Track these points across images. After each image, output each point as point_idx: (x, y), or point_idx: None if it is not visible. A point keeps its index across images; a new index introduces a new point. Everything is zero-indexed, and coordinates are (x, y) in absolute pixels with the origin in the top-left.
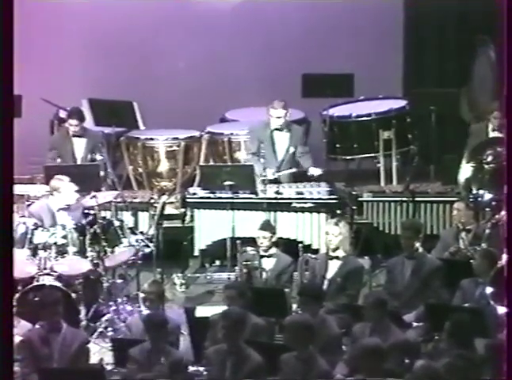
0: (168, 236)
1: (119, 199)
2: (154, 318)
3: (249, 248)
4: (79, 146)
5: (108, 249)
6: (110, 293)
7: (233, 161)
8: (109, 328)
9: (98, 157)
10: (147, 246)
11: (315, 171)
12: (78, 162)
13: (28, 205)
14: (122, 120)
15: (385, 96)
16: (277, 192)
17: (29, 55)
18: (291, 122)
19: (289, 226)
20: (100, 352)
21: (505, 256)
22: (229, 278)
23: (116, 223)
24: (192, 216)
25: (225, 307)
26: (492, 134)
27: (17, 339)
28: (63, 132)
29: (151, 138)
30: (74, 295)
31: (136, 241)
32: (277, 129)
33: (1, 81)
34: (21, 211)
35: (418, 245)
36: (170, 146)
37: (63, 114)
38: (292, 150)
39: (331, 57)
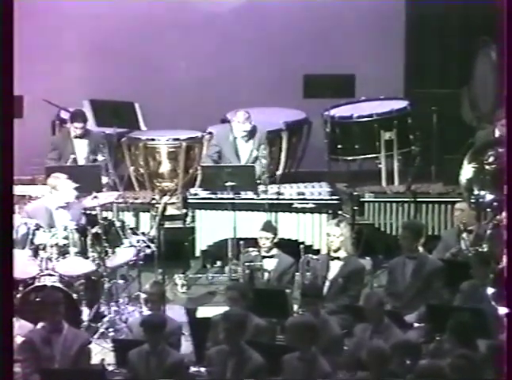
0: (169, 236)
1: (120, 200)
2: (151, 320)
3: (250, 249)
4: (81, 147)
5: (110, 250)
6: (111, 293)
7: None
8: (111, 329)
9: (100, 157)
10: (149, 247)
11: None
12: (80, 163)
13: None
14: (123, 121)
15: (386, 97)
16: (279, 193)
17: (31, 55)
18: (254, 126)
19: (290, 226)
20: (101, 353)
21: (505, 257)
22: (231, 279)
23: (118, 224)
24: (193, 217)
25: (227, 308)
26: None
27: (18, 339)
28: (65, 133)
29: (153, 139)
30: (75, 296)
31: (138, 241)
32: (240, 136)
33: (1, 82)
34: (23, 212)
35: (417, 245)
36: (172, 147)
37: (64, 114)
38: (255, 153)
39: (333, 58)
